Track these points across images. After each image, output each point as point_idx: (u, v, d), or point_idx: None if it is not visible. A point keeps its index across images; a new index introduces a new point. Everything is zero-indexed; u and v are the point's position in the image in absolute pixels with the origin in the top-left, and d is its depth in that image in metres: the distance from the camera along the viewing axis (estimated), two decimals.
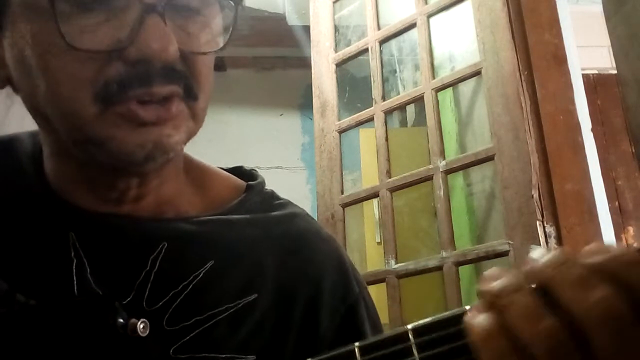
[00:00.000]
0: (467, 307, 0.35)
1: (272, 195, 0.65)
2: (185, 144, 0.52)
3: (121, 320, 0.49)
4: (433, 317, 0.36)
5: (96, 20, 0.46)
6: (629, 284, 0.31)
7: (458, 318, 0.35)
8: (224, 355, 0.53)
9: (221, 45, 0.53)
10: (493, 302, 0.34)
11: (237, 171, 0.68)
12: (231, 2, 0.53)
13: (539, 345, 0.31)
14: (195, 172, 0.63)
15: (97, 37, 0.46)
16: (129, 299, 0.52)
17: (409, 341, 0.35)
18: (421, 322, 0.36)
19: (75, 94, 0.47)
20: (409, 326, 0.35)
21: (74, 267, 0.52)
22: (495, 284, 0.35)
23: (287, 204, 0.65)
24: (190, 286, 0.54)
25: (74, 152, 0.51)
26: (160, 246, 0.54)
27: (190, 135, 0.53)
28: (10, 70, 0.51)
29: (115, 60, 0.46)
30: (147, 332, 0.50)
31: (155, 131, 0.48)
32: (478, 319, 0.34)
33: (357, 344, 0.36)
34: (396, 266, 1.72)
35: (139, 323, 0.49)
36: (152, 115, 0.48)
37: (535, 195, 1.48)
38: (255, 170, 0.68)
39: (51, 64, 0.47)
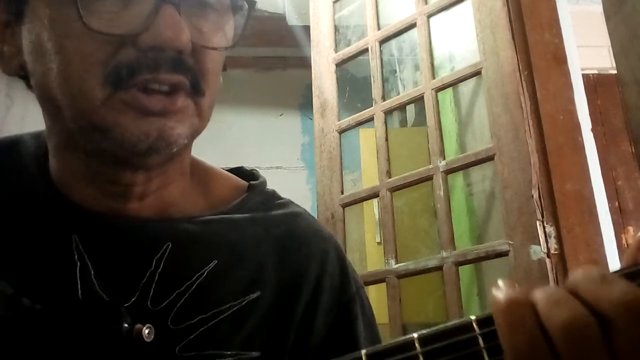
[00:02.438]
0: (473, 317, 0.36)
1: (274, 195, 0.66)
2: (188, 140, 0.53)
3: (126, 326, 0.49)
4: (439, 327, 0.36)
5: (114, 7, 0.48)
6: (594, 302, 0.33)
7: (463, 328, 0.35)
8: (229, 352, 0.53)
9: (231, 43, 0.54)
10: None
11: (239, 171, 0.68)
12: (245, 2, 0.54)
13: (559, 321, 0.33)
14: (198, 172, 0.63)
15: (113, 23, 0.48)
16: (133, 299, 0.52)
17: (415, 349, 0.35)
18: (427, 331, 0.36)
19: (86, 75, 0.48)
20: (415, 335, 0.36)
21: (77, 270, 0.52)
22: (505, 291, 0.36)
23: (288, 203, 0.66)
24: (194, 285, 0.54)
25: (80, 142, 0.52)
26: (165, 247, 0.54)
27: (195, 132, 0.53)
28: (25, 56, 0.52)
29: (129, 46, 0.48)
30: (152, 337, 0.50)
31: (160, 121, 0.49)
32: (506, 291, 0.35)
33: (364, 351, 0.36)
34: (396, 266, 1.71)
35: (144, 328, 0.49)
36: (157, 105, 0.49)
37: (535, 195, 1.48)
38: (257, 171, 0.69)
39: (67, 46, 0.48)
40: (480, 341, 0.34)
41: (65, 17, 0.48)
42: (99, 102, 0.48)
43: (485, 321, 0.35)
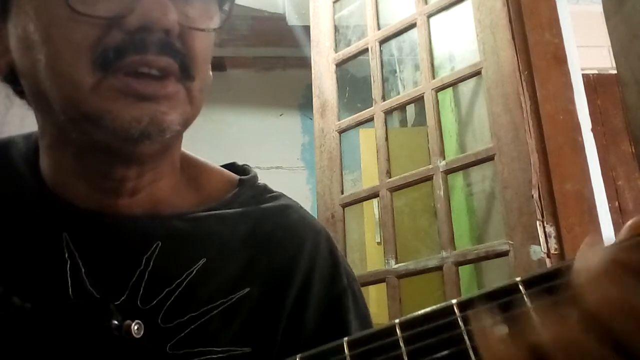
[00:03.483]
0: (454, 301, 0.35)
1: (265, 189, 0.66)
2: (181, 127, 0.52)
3: (115, 322, 0.49)
4: (420, 312, 0.36)
5: None
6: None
7: (444, 312, 0.35)
8: (219, 349, 0.53)
9: (218, 25, 0.54)
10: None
11: (230, 167, 0.68)
12: None
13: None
14: (189, 167, 0.63)
15: (99, 6, 0.48)
16: (123, 298, 0.52)
17: (396, 335, 0.35)
18: (408, 316, 0.36)
19: (75, 61, 0.47)
20: (397, 320, 0.36)
21: (67, 269, 0.52)
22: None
23: (279, 196, 0.66)
24: (184, 284, 0.54)
25: (71, 136, 0.52)
26: (155, 245, 0.54)
27: (187, 119, 0.53)
28: (13, 53, 0.52)
29: (115, 29, 0.48)
30: (142, 333, 0.50)
31: (151, 106, 0.48)
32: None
33: (346, 338, 0.36)
34: (396, 266, 1.71)
35: (133, 324, 0.49)
36: (148, 89, 0.48)
37: (535, 195, 1.48)
38: (248, 166, 0.69)
39: (54, 35, 0.48)
40: (461, 324, 0.34)
41: (51, 6, 0.48)
42: (89, 88, 0.48)
43: (466, 304, 0.35)
